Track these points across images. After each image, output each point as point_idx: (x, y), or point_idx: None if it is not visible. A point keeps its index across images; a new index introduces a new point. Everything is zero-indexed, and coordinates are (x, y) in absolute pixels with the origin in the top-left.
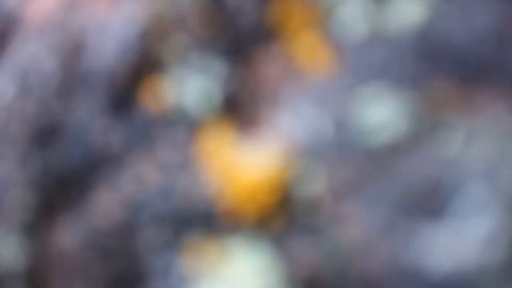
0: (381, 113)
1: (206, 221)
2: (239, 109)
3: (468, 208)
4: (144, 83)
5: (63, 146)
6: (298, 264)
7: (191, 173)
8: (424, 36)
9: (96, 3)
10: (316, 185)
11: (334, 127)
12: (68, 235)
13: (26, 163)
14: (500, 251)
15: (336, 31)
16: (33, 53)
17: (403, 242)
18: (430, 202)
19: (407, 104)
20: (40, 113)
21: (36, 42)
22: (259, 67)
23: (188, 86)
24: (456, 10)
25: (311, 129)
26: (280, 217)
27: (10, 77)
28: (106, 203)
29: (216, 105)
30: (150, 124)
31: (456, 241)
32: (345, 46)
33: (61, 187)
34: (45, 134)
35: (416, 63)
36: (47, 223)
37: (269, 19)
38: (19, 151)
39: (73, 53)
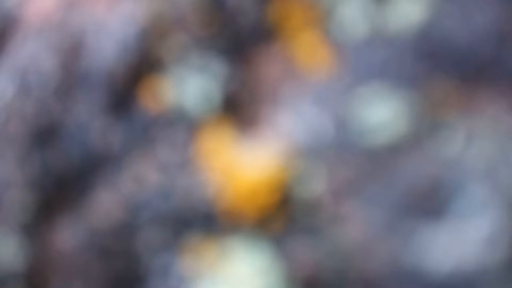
0: (381, 113)
1: (206, 221)
2: (239, 109)
3: (469, 208)
4: (144, 83)
5: (63, 146)
6: (298, 264)
7: (191, 173)
8: (424, 36)
9: (95, 2)
10: (316, 185)
11: (334, 127)
12: (68, 235)
13: (25, 163)
14: (500, 251)
15: (336, 31)
16: (32, 53)
17: (403, 242)
18: (430, 202)
19: (407, 104)
20: (40, 113)
21: (35, 42)
22: (259, 67)
23: (188, 86)
24: (456, 10)
25: (311, 129)
26: (280, 217)
27: (9, 77)
28: (106, 203)
29: (216, 105)
30: (150, 124)
31: (456, 241)
32: (345, 46)
33: (61, 187)
34: (44, 134)
35: (416, 63)
36: (47, 223)
37: (269, 19)
38: (18, 151)
39: (72, 53)
